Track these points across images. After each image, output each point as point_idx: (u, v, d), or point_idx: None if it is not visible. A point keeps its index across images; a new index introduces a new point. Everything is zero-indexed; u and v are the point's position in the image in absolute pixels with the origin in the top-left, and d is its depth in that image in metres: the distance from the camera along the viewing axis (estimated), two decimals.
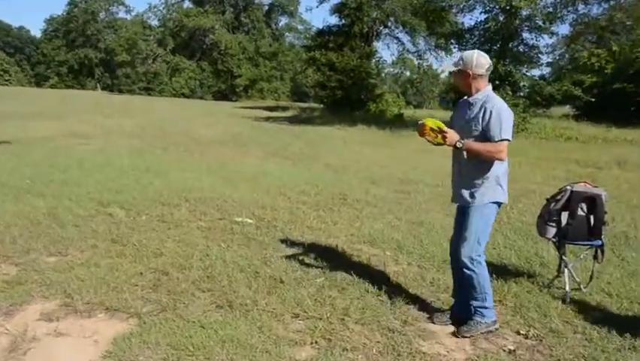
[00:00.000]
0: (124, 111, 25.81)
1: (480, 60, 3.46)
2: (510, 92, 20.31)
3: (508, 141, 3.38)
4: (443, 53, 37.39)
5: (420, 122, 3.52)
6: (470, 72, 3.46)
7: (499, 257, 5.25)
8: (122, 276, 4.33)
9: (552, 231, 4.34)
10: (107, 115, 22.81)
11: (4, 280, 4.20)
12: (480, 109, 3.43)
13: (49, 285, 4.12)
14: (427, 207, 7.47)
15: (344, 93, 29.51)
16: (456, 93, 23.58)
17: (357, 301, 4.04)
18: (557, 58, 45.89)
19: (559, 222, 4.30)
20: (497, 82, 21.22)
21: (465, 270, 3.56)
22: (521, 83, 22.64)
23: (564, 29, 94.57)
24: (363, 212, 7.03)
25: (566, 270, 4.32)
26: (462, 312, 3.74)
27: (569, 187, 4.33)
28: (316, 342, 3.44)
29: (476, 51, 3.52)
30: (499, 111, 3.37)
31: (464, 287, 3.65)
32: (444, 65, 3.85)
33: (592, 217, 4.27)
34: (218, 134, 16.70)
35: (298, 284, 4.33)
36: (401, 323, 3.77)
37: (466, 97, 3.60)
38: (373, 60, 34.12)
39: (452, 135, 3.42)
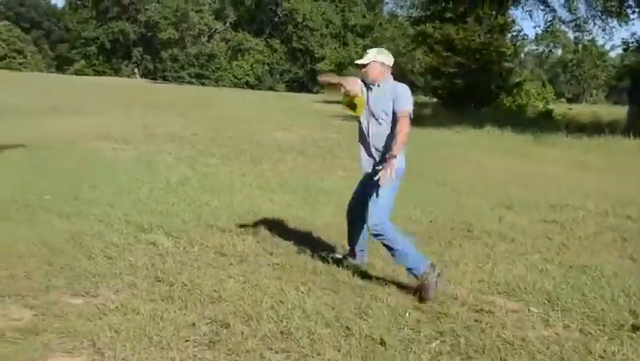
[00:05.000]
0: (170, 106, 26.86)
1: None
2: None
3: None
4: (615, 21, 35.91)
5: None
6: None
7: None
8: (168, 327, 4.41)
9: None
10: (149, 111, 23.79)
11: (16, 328, 4.29)
12: None
13: (74, 336, 4.22)
14: (591, 246, 7.15)
15: (467, 82, 29.07)
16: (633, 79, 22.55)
17: None
18: None
19: None
20: None
21: None
22: None
23: None
24: (496, 249, 6.84)
25: None
26: None
27: None
28: None
29: None
30: None
31: None
32: None
33: None
34: (295, 139, 16.93)
35: (405, 348, 4.24)
36: None
37: None
38: (509, 35, 33.44)
39: None
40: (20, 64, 74.83)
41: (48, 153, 12.33)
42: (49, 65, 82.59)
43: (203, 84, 58.13)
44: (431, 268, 5.23)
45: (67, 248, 6.03)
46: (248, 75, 59.61)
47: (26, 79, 48.55)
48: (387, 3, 64.63)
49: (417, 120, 22.72)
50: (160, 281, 5.33)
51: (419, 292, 5.13)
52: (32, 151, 12.44)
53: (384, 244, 5.37)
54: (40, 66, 79.18)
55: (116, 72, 75.37)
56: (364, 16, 60.63)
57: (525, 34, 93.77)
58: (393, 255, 5.40)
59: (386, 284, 5.49)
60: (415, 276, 5.22)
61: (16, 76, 52.65)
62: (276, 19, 62.02)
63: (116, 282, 5.27)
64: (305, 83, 58.44)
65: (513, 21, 34.07)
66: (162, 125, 18.74)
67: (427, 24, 30.70)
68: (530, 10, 39.22)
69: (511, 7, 33.95)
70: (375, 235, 5.33)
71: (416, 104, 5.94)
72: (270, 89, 56.68)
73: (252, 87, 57.17)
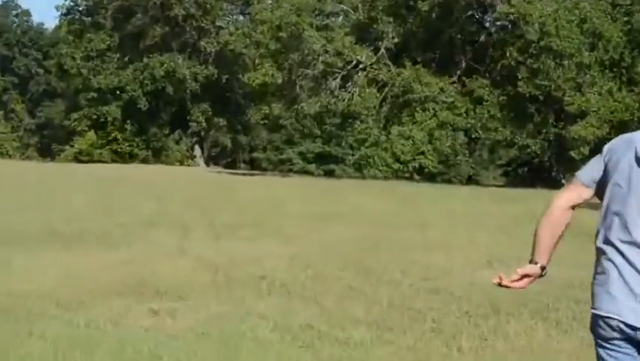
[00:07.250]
0: (264, 222, 18.61)
1: None
2: None
3: None
4: None
5: None
6: None
7: None
8: None
9: None
10: (223, 232, 16.24)
11: None
12: None
13: None
14: None
15: None
16: None
17: None
18: None
19: None
20: None
21: None
22: None
23: None
24: None
25: None
26: None
27: None
28: None
29: None
30: None
31: None
32: None
33: None
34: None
35: None
36: None
37: None
38: None
39: None
40: None
41: (19, 327, 7.94)
42: (25, 145, 57.23)
43: (330, 174, 36.08)
44: None
45: None
46: (422, 153, 33.40)
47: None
48: None
49: None
50: None
51: None
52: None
53: None
54: (7, 147, 52.54)
55: (157, 154, 47.88)
56: None
57: None
58: None
59: None
60: None
61: None
62: (482, 38, 35.22)
63: None
64: (545, 167, 33.89)
65: None
66: (249, 262, 12.20)
67: None
68: None
69: None
70: None
71: None
72: (470, 179, 34.42)
73: (432, 178, 33.04)
